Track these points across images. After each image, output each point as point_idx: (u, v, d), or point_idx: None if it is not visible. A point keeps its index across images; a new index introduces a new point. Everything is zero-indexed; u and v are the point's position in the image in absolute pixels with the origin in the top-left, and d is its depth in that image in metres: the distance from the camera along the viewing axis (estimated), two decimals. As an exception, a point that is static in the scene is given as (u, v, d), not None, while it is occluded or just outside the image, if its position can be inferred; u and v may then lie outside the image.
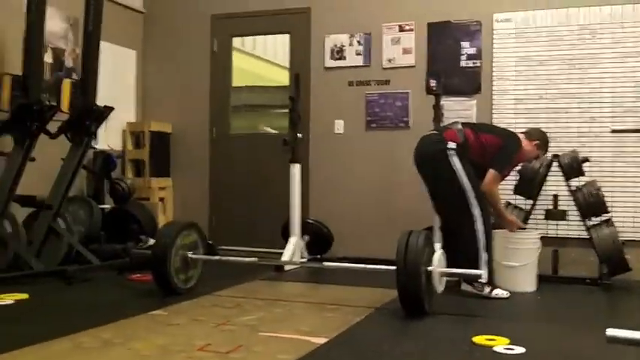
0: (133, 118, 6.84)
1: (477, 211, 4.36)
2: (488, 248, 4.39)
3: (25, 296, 4.09)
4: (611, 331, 1.84)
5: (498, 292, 4.39)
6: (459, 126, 4.60)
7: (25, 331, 3.33)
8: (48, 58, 5.67)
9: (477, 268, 4.20)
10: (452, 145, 4.43)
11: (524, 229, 4.96)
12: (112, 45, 6.37)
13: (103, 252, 5.29)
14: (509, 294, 4.40)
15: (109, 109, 5.36)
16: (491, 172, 4.48)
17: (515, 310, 4.13)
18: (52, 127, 5.07)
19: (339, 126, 6.25)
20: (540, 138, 4.76)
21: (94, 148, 5.56)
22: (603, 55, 5.42)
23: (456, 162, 4.40)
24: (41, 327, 3.42)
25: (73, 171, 5.17)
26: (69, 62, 5.95)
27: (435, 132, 4.72)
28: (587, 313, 4.12)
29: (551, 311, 4.25)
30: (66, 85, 5.15)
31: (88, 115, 5.21)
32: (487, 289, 4.38)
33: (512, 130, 4.91)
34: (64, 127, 5.15)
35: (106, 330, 3.31)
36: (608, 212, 5.01)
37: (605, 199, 4.98)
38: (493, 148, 4.53)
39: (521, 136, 4.70)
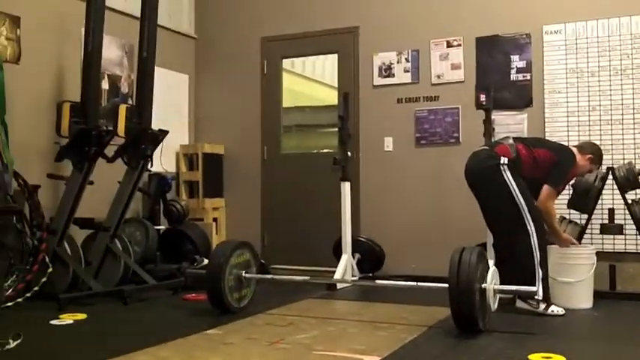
0: (186, 141, 7.00)
1: (532, 227, 4.29)
2: (544, 264, 4.31)
3: (83, 316, 4.20)
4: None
5: (554, 309, 4.30)
6: (511, 141, 4.55)
7: (83, 350, 3.43)
8: (105, 84, 5.88)
9: (531, 284, 4.12)
10: (504, 160, 4.38)
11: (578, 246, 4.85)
12: (166, 70, 6.54)
13: (159, 272, 5.41)
14: (564, 311, 4.31)
15: (163, 133, 5.50)
16: (546, 189, 4.42)
17: (572, 328, 4.04)
18: (109, 151, 5.22)
19: (389, 143, 6.25)
20: (594, 152, 4.67)
21: (149, 170, 5.68)
22: (658, 65, 5.30)
23: (509, 177, 4.35)
24: (99, 346, 3.49)
25: (129, 193, 5.31)
26: (125, 88, 6.14)
27: (486, 147, 4.68)
28: (647, 331, 4.01)
29: (609, 329, 4.14)
30: (122, 110, 5.30)
31: (144, 139, 5.36)
32: (542, 306, 4.30)
33: (564, 143, 4.83)
34: (121, 150, 5.30)
35: (163, 349, 3.38)
36: (667, 226, 4.87)
37: (665, 212, 4.85)
38: (546, 163, 4.47)
39: (574, 150, 4.62)
